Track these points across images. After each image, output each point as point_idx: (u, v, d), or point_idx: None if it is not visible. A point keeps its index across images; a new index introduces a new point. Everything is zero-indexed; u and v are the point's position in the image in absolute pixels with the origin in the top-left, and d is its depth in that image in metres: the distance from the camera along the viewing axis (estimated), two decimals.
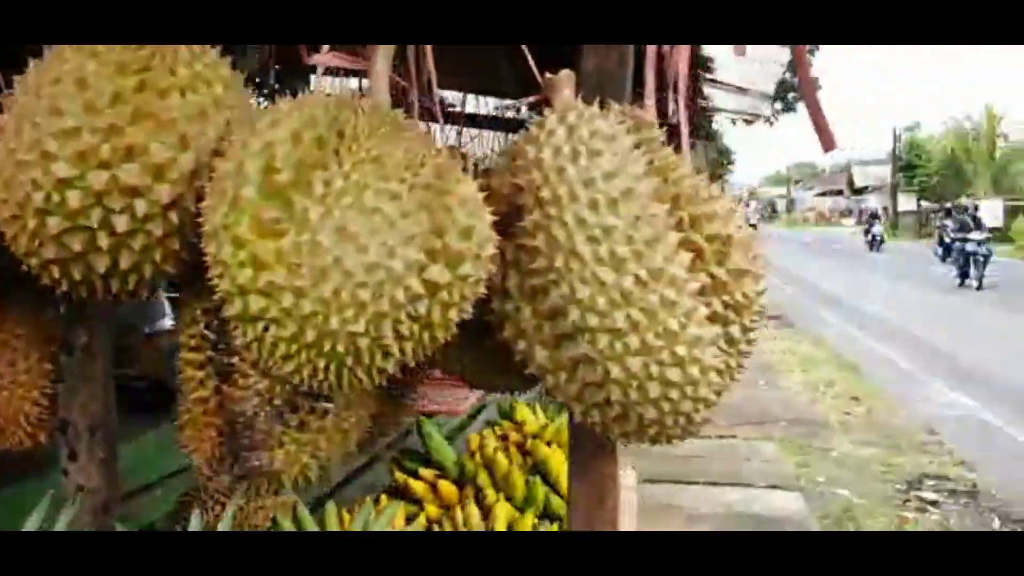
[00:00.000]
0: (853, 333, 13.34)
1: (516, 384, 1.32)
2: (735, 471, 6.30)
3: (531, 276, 1.07)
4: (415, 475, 2.31)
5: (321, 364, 0.97)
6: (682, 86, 1.22)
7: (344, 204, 0.95)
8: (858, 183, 66.48)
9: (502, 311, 1.12)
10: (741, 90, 4.28)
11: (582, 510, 1.28)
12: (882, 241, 33.26)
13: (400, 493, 2.30)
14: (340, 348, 0.96)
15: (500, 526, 2.04)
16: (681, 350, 1.01)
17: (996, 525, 5.42)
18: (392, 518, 1.89)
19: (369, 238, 0.94)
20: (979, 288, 18.89)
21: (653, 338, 1.00)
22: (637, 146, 1.08)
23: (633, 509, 2.40)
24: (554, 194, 1.02)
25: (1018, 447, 7.12)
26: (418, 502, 2.26)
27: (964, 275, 19.67)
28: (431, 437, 2.39)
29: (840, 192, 74.00)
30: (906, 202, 46.59)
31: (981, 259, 19.34)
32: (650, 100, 1.23)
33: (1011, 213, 34.76)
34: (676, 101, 1.24)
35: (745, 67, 4.37)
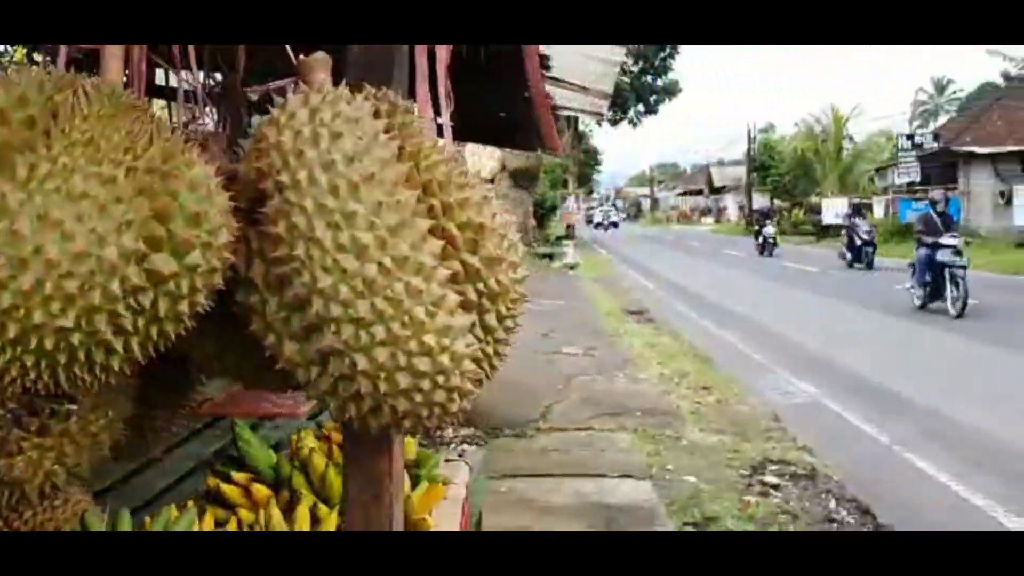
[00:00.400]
0: (710, 328, 13.89)
1: (290, 380, 1.27)
2: (591, 463, 6.41)
3: (274, 265, 1.02)
4: (228, 479, 2.22)
5: (30, 362, 0.89)
6: (442, 73, 1.20)
7: (48, 189, 0.88)
8: (716, 183, 69.56)
9: (247, 303, 1.06)
10: (583, 89, 4.35)
11: (358, 507, 1.24)
12: (775, 244, 30.08)
13: (213, 499, 2.21)
14: (48, 344, 0.89)
15: (302, 527, 1.99)
16: (430, 339, 0.99)
17: (832, 505, 5.73)
18: (191, 523, 1.80)
19: (75, 225, 0.87)
20: (960, 315, 13.12)
21: (400, 327, 0.97)
22: (387, 131, 1.05)
23: (459, 503, 2.39)
24: (293, 179, 0.98)
25: (854, 431, 7.58)
26: (233, 507, 2.17)
27: (935, 295, 13.94)
28: (246, 441, 2.31)
29: (700, 192, 77.18)
30: (760, 200, 49.02)
31: (960, 272, 13.35)
32: (422, 88, 1.21)
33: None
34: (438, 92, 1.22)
35: (586, 67, 4.45)
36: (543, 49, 3.90)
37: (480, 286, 1.07)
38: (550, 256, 29.95)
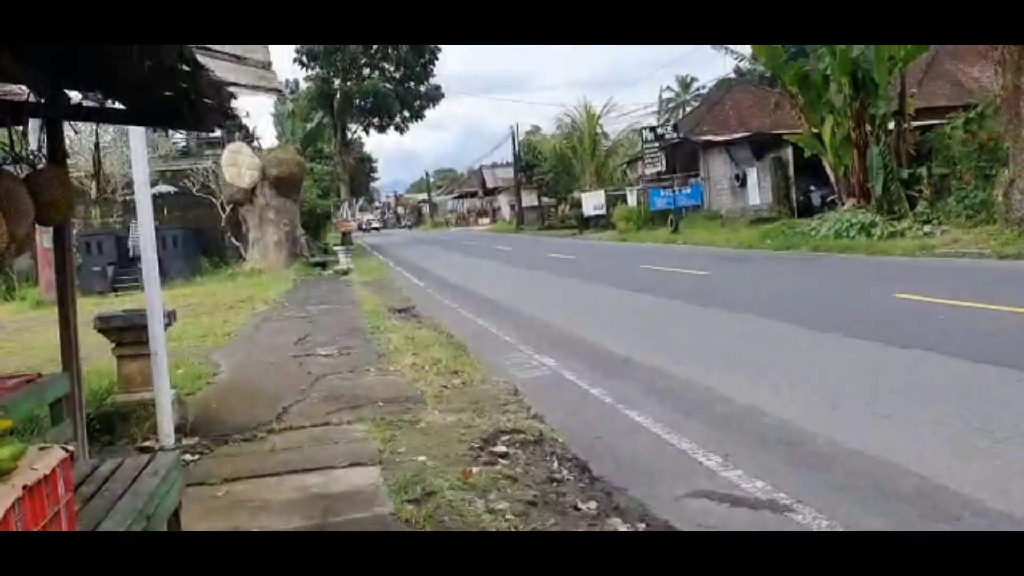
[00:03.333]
0: (470, 317, 14.08)
1: None
2: (320, 456, 6.20)
3: None
4: None
5: None
6: None
7: None
8: (490, 184, 71.34)
9: None
10: (238, 58, 4.13)
11: None
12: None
13: None
14: None
15: None
16: None
17: (555, 466, 5.87)
18: None
19: None
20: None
21: None
22: None
23: (18, 489, 2.11)
24: None
25: (582, 395, 7.90)
26: None
27: None
28: None
29: (475, 194, 78.81)
30: (528, 199, 50.75)
31: None
32: None
33: (612, 202, 39.31)
34: None
35: None
36: None
37: None
38: (323, 265, 29.30)
